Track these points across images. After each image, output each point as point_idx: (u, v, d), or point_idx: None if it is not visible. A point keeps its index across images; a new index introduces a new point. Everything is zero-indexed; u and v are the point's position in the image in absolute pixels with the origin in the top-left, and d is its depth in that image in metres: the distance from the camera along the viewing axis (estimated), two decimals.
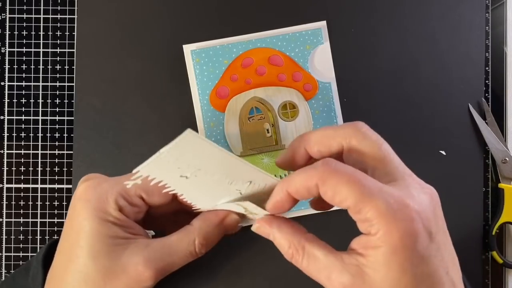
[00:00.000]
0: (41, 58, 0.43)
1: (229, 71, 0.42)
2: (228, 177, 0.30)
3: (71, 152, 0.43)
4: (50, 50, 0.43)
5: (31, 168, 0.43)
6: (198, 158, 0.29)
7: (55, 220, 0.43)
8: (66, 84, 0.43)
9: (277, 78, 0.42)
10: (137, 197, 0.31)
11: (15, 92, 0.43)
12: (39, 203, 0.43)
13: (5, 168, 0.43)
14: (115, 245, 0.30)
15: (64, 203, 0.43)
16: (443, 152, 0.43)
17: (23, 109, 0.43)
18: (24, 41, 0.43)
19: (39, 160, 0.43)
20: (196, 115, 0.42)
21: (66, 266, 0.31)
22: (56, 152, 0.43)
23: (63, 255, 0.31)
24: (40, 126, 0.43)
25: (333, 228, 0.42)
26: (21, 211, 0.43)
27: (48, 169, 0.43)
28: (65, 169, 0.43)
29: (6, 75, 0.43)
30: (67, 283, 0.30)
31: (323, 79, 0.42)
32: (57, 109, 0.43)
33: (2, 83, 0.43)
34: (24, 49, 0.43)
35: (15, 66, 0.43)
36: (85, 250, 0.30)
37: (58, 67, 0.43)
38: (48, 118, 0.43)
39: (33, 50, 0.43)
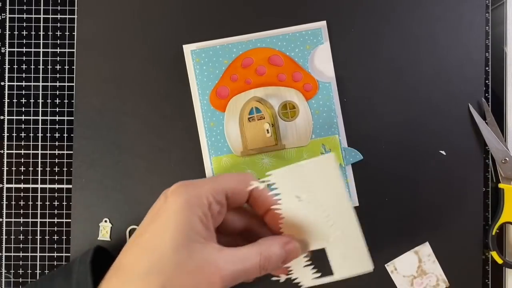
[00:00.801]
0: (41, 58, 0.43)
1: (229, 71, 0.42)
2: (330, 217, 0.33)
3: (71, 152, 0.43)
4: (50, 50, 0.43)
5: (31, 168, 0.43)
6: (322, 185, 0.32)
7: (55, 220, 0.43)
8: (66, 84, 0.43)
9: (277, 78, 0.42)
10: (223, 195, 0.32)
11: (15, 92, 0.43)
12: (39, 203, 0.43)
13: (5, 168, 0.43)
14: (196, 242, 0.30)
15: (64, 203, 0.43)
16: (443, 152, 0.43)
17: (23, 109, 0.43)
18: (24, 41, 0.43)
19: (39, 160, 0.43)
20: (196, 115, 0.42)
21: (139, 257, 0.30)
22: (56, 152, 0.43)
23: (137, 246, 0.31)
24: (40, 126, 0.43)
25: None
26: (21, 211, 0.43)
27: (48, 169, 0.43)
28: (65, 169, 0.43)
29: (6, 75, 0.43)
30: (138, 274, 0.29)
31: (323, 79, 0.42)
32: (57, 109, 0.43)
33: (2, 83, 0.43)
34: (24, 49, 0.43)
35: (15, 66, 0.43)
36: (166, 241, 0.29)
37: (58, 67, 0.43)
38: (48, 118, 0.43)
39: (33, 50, 0.43)
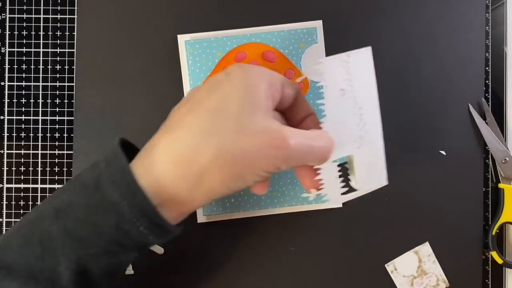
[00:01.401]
0: (41, 58, 0.43)
1: (222, 64, 0.42)
2: (363, 116, 0.33)
3: (71, 152, 0.43)
4: (50, 50, 0.43)
5: (31, 168, 0.43)
6: (360, 79, 0.32)
7: None
8: (66, 84, 0.43)
9: None
10: (280, 84, 0.31)
11: (15, 92, 0.43)
12: (39, 203, 0.43)
13: (5, 168, 0.43)
14: (260, 110, 0.29)
15: None
16: (443, 152, 0.43)
17: (23, 109, 0.43)
18: (24, 41, 0.43)
19: (39, 160, 0.43)
20: None
21: (199, 117, 0.29)
22: (56, 152, 0.43)
23: (197, 109, 0.29)
24: (40, 126, 0.43)
25: (330, 227, 0.42)
26: (21, 211, 0.43)
27: (48, 169, 0.43)
28: (65, 169, 0.43)
29: (6, 75, 0.43)
30: (195, 133, 0.28)
31: (315, 78, 0.42)
32: (57, 109, 0.43)
33: (2, 83, 0.43)
34: (24, 49, 0.43)
35: (15, 66, 0.43)
36: (232, 105, 0.29)
37: (58, 67, 0.43)
38: (48, 118, 0.43)
39: (33, 50, 0.43)
